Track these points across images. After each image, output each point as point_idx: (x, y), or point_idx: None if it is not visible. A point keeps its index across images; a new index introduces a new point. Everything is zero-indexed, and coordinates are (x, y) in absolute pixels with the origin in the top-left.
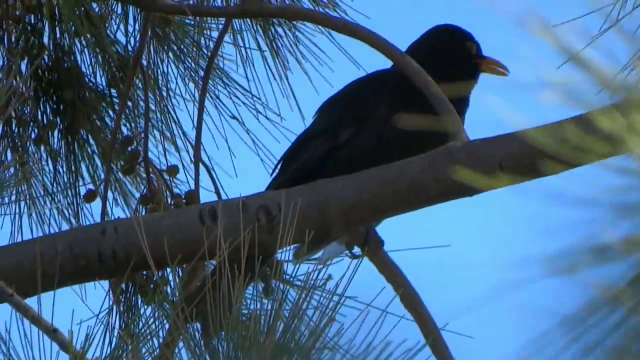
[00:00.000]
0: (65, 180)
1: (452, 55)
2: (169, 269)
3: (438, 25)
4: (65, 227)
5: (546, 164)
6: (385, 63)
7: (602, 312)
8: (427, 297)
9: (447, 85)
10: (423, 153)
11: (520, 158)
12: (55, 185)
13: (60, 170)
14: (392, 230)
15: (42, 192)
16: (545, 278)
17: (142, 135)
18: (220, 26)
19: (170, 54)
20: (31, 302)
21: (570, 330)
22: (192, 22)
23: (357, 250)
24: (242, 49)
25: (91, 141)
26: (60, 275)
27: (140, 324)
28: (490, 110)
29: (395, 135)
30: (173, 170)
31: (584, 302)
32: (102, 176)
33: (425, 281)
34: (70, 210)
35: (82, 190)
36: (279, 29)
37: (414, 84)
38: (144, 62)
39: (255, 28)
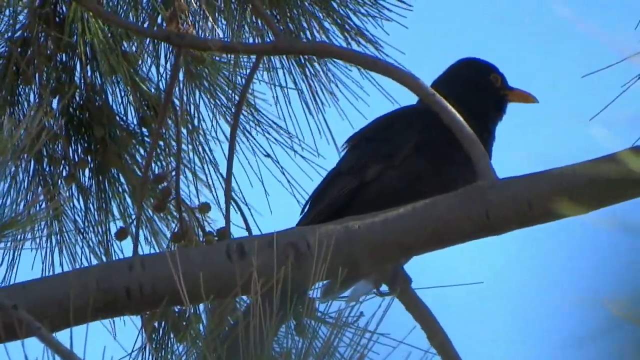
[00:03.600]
0: (96, 217)
1: (478, 88)
2: (198, 305)
3: (461, 59)
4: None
5: (575, 204)
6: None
7: None
8: (456, 336)
9: (475, 118)
10: (451, 191)
11: (549, 197)
12: (86, 222)
13: (91, 207)
14: (420, 268)
15: (73, 230)
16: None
17: (174, 173)
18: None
19: (203, 91)
20: (60, 335)
21: None
22: (225, 60)
23: (384, 288)
24: (274, 87)
25: (122, 179)
26: (88, 310)
27: None
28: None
29: (422, 173)
30: (205, 207)
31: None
32: (133, 214)
33: (454, 319)
34: (101, 248)
35: (113, 228)
36: (316, 65)
37: (441, 121)
38: (176, 100)
39: (288, 65)
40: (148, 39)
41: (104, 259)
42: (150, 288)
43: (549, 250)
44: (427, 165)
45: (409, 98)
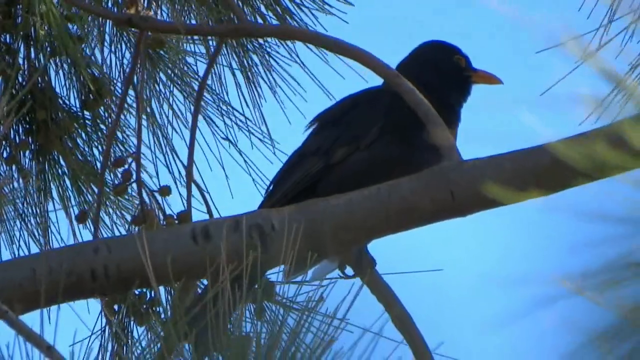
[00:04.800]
0: (36, 200)
1: (441, 70)
2: (161, 288)
3: (425, 42)
4: (34, 247)
5: (539, 186)
6: (361, 86)
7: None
8: (421, 319)
9: (440, 100)
10: (416, 173)
11: (512, 179)
12: (25, 205)
13: (31, 189)
14: (385, 250)
15: (12, 212)
16: (577, 295)
17: (134, 156)
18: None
19: (162, 75)
20: (26, 318)
21: (600, 345)
22: (185, 43)
23: (349, 270)
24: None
25: (62, 162)
26: (52, 292)
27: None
28: (524, 125)
29: (387, 155)
30: (165, 190)
31: (612, 321)
32: (71, 197)
33: (418, 302)
34: (39, 230)
35: (52, 210)
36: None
37: (406, 103)
38: (136, 83)
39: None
40: (91, 19)
41: (42, 241)
42: (116, 270)
43: (512, 232)
44: (393, 148)
45: (353, 88)
